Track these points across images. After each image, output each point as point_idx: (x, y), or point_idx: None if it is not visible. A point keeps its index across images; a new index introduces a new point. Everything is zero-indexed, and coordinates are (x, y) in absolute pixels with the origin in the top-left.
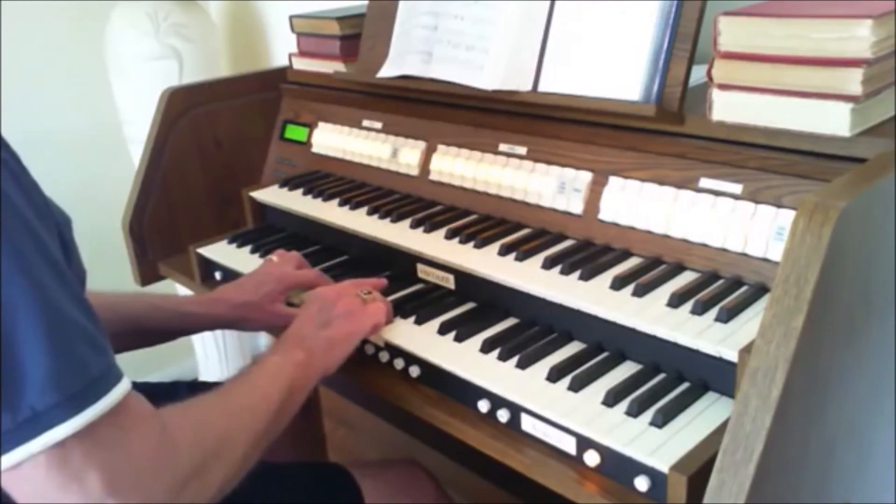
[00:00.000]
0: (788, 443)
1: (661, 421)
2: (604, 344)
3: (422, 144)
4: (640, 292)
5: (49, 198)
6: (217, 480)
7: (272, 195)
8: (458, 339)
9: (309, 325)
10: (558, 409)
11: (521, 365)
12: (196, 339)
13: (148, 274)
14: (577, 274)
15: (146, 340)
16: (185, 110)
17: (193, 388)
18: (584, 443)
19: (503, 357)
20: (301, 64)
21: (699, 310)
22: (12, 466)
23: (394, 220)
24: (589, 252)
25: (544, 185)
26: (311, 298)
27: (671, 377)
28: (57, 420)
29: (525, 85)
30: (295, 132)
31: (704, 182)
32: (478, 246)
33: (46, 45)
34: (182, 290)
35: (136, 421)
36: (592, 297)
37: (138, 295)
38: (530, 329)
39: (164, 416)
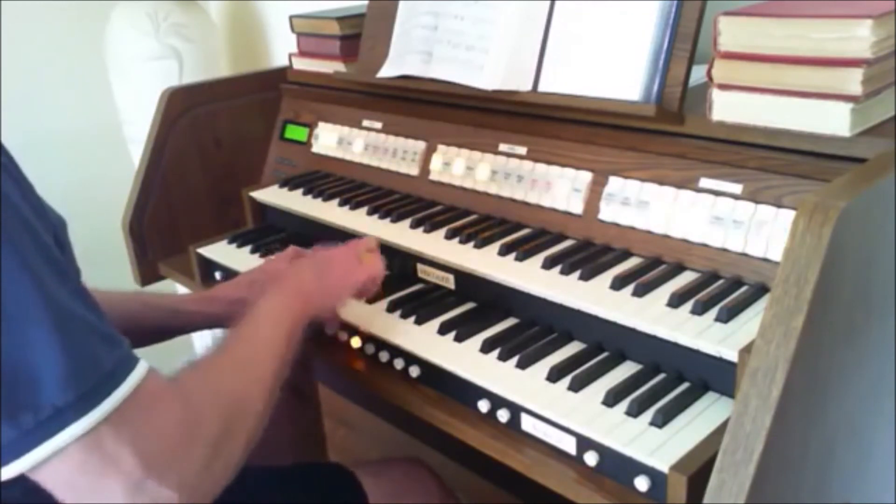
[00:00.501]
0: (788, 443)
1: (661, 421)
2: (604, 344)
3: (422, 144)
4: (640, 292)
5: (43, 200)
6: (244, 437)
7: (272, 195)
8: (458, 339)
9: (307, 273)
10: (558, 409)
11: (521, 365)
12: (196, 338)
13: (148, 274)
14: (577, 274)
15: (142, 339)
16: (185, 110)
17: None
18: (584, 443)
19: (503, 357)
20: (301, 64)
21: (699, 310)
22: (42, 461)
23: (394, 220)
24: (589, 252)
25: (544, 185)
26: (310, 252)
27: (671, 377)
28: (77, 415)
29: (525, 85)
30: (295, 132)
31: (704, 182)
32: (478, 246)
33: (46, 45)
34: (182, 291)
35: (158, 400)
36: (592, 297)
37: (133, 293)
38: (530, 329)
39: (183, 388)
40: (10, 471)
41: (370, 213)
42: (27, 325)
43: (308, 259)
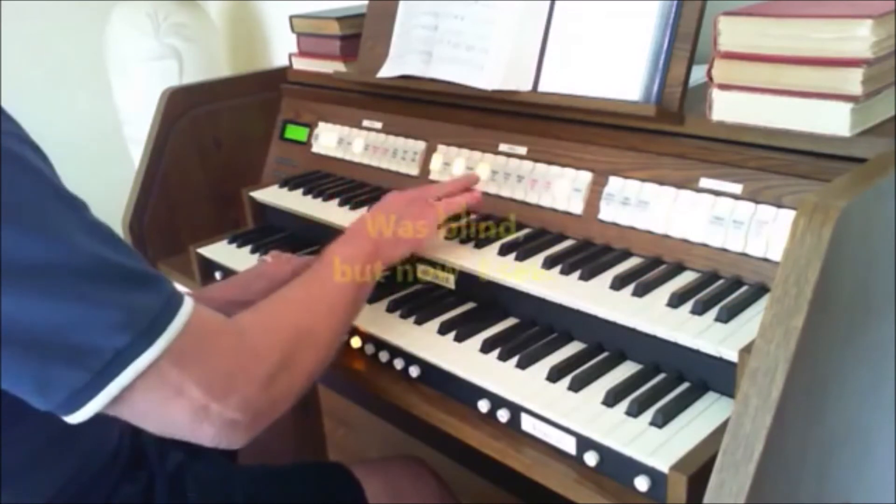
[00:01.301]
0: (788, 443)
1: (661, 421)
2: (604, 344)
3: (422, 144)
4: (640, 292)
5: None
6: (307, 366)
7: (272, 195)
8: (458, 338)
9: (381, 220)
10: (558, 409)
11: (521, 365)
12: None
13: None
14: (577, 274)
15: None
16: (185, 110)
17: None
18: (584, 443)
19: (503, 357)
20: (301, 64)
21: (699, 310)
22: (113, 399)
23: None
24: (589, 252)
25: (544, 185)
26: (387, 198)
27: (671, 377)
28: (136, 354)
29: (525, 85)
30: (295, 132)
31: (704, 182)
32: (478, 246)
33: (46, 45)
34: (181, 290)
35: (212, 332)
36: (592, 297)
37: None
38: (530, 329)
39: (238, 322)
40: (88, 411)
41: None
42: (76, 284)
43: (383, 204)
